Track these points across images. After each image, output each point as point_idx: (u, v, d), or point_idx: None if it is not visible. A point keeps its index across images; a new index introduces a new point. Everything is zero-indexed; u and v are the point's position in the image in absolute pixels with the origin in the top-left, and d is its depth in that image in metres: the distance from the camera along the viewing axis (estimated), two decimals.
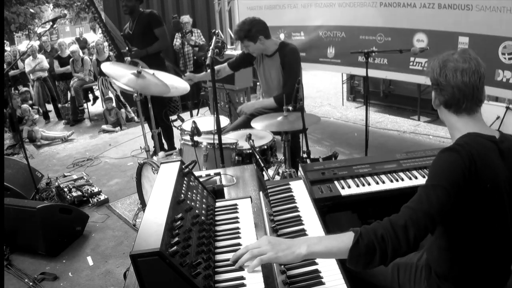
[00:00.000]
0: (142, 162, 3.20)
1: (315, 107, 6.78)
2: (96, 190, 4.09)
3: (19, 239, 3.27)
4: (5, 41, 15.78)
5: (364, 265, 1.23)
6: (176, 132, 4.47)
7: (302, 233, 1.63)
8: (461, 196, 1.25)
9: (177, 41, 6.57)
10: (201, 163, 2.79)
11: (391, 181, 2.20)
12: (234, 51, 5.99)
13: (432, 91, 1.44)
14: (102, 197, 4.04)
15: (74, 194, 3.99)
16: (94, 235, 3.47)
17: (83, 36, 14.26)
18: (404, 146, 4.70)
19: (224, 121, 3.42)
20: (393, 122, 5.67)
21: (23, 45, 16.51)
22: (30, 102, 7.86)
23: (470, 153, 1.27)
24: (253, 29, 3.13)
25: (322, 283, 1.33)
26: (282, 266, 1.35)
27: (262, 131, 2.99)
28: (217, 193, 1.87)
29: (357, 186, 2.19)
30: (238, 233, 1.51)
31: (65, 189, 4.05)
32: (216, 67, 3.48)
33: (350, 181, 2.22)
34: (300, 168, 2.36)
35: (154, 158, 3.31)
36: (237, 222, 1.58)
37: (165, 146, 4.71)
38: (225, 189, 1.91)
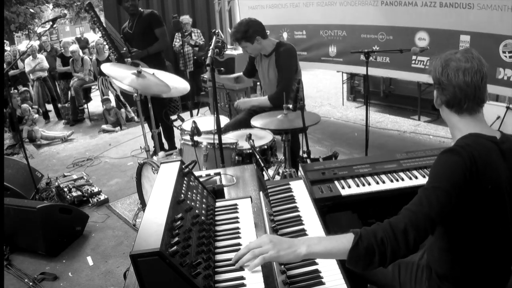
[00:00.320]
0: (142, 162, 3.20)
1: (315, 107, 6.78)
2: (96, 190, 4.09)
3: (19, 239, 3.27)
4: (5, 41, 15.78)
5: (363, 267, 1.23)
6: (176, 132, 4.48)
7: (302, 233, 1.62)
8: (462, 198, 1.25)
9: (176, 41, 6.57)
10: (201, 163, 2.79)
11: (391, 181, 2.20)
12: (234, 51, 5.99)
13: (434, 90, 1.43)
14: (102, 197, 4.03)
15: (74, 194, 3.99)
16: (94, 235, 3.46)
17: (84, 35, 14.24)
18: (404, 146, 4.69)
19: (224, 121, 3.42)
20: (393, 122, 5.67)
21: (23, 45, 16.52)
22: (30, 102, 7.86)
23: (471, 154, 1.26)
24: (250, 30, 3.14)
25: (322, 283, 1.33)
26: (282, 266, 1.35)
27: (262, 131, 2.99)
28: (217, 193, 1.87)
29: (357, 186, 2.19)
30: (238, 233, 1.50)
31: (65, 189, 4.04)
32: (233, 75, 3.70)
33: (350, 181, 2.22)
34: (300, 168, 2.36)
35: (154, 158, 3.31)
36: (237, 222, 1.57)
37: (165, 146, 4.71)
38: (225, 189, 1.91)
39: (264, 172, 2.71)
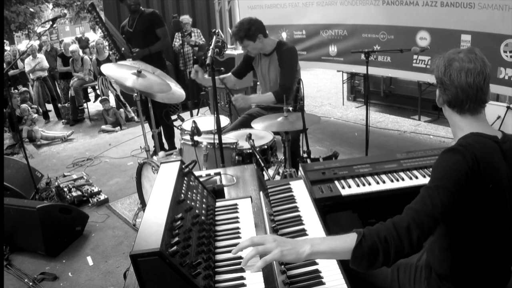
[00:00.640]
0: (142, 162, 3.20)
1: (316, 106, 6.78)
2: (96, 190, 4.09)
3: (18, 239, 3.26)
4: (5, 40, 15.77)
5: (367, 266, 1.22)
6: (176, 132, 4.47)
7: (302, 233, 1.62)
8: (463, 197, 1.25)
9: (176, 41, 6.57)
10: (201, 163, 2.78)
11: (392, 181, 2.20)
12: (234, 50, 5.98)
13: (437, 89, 1.43)
14: (102, 197, 4.03)
15: (74, 194, 3.99)
16: (94, 235, 3.46)
17: (85, 35, 14.23)
18: (404, 145, 4.69)
19: (224, 121, 3.41)
20: (393, 122, 5.66)
21: (23, 45, 16.52)
22: (30, 103, 7.86)
23: (473, 154, 1.26)
24: (252, 28, 3.16)
25: (322, 283, 1.33)
26: (282, 266, 1.35)
27: (262, 131, 2.98)
28: (217, 193, 1.87)
29: (358, 186, 2.18)
30: (238, 233, 1.50)
31: (65, 189, 4.04)
32: (220, 76, 3.50)
33: (350, 181, 2.21)
34: (300, 168, 2.36)
35: (154, 158, 3.30)
36: (237, 222, 1.57)
37: (165, 146, 4.70)
38: (225, 189, 1.90)
39: (264, 172, 2.71)
